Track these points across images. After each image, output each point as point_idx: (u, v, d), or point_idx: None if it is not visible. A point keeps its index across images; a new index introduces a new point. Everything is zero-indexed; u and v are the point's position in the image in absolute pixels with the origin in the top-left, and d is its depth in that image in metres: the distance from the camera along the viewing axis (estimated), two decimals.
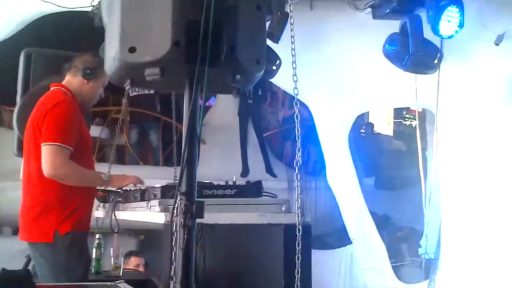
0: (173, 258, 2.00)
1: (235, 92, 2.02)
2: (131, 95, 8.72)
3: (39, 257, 3.52)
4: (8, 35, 6.37)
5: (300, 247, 2.58)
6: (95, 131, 7.78)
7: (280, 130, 10.76)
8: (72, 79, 3.63)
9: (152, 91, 8.75)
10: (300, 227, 2.61)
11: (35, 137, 3.48)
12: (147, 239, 9.46)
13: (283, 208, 2.94)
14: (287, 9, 3.20)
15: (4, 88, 5.81)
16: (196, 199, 1.96)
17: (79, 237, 3.50)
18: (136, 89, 8.65)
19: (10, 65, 4.81)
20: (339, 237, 9.42)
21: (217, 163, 8.39)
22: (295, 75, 2.75)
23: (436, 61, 5.28)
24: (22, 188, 3.64)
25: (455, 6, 4.96)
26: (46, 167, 3.33)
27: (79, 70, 3.61)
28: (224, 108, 9.82)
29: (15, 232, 8.85)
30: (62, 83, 3.67)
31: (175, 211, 1.96)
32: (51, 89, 3.67)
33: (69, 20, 6.51)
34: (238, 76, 1.91)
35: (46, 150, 3.34)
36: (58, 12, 6.21)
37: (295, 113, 3.04)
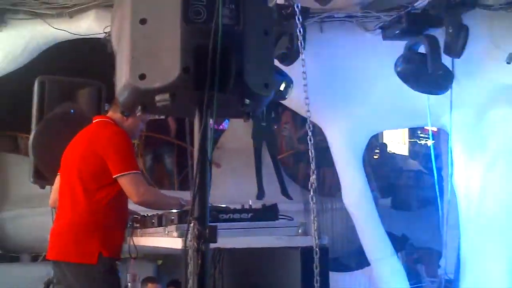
0: (189, 284, 1.99)
1: (245, 116, 2.02)
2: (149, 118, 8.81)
3: (73, 279, 3.50)
4: (23, 63, 6.46)
5: (318, 270, 2.56)
6: None
7: (295, 152, 10.73)
8: (113, 115, 3.72)
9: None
10: (317, 249, 2.59)
11: (87, 162, 3.54)
12: (165, 264, 9.45)
13: (299, 231, 2.93)
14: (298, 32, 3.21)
15: (20, 115, 5.88)
16: (209, 223, 1.95)
17: (114, 264, 3.54)
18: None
19: (25, 93, 4.87)
20: (357, 259, 9.33)
21: (233, 186, 8.40)
22: (307, 98, 2.76)
23: (448, 81, 5.28)
24: (59, 207, 3.67)
25: None
26: (133, 196, 3.47)
27: (119, 107, 3.68)
28: (238, 131, 9.83)
29: (34, 259, 8.93)
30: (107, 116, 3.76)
31: (188, 236, 1.95)
32: (96, 120, 3.73)
33: (82, 47, 6.59)
34: (247, 100, 1.92)
35: (127, 180, 3.45)
36: (71, 40, 6.31)
37: (308, 135, 3.04)
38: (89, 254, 3.45)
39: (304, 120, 10.05)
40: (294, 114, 9.98)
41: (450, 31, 4.93)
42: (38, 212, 6.68)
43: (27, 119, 4.75)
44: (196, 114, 1.93)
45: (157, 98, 1.85)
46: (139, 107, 1.97)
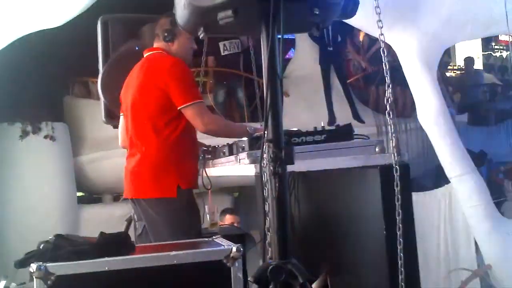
0: (267, 208, 1.93)
1: (315, 28, 1.89)
2: (222, 54, 8.82)
3: (155, 214, 3.55)
4: (85, 8, 6.46)
5: (399, 188, 2.44)
6: None
7: (364, 75, 10.48)
8: (159, 44, 3.69)
9: (239, 50, 8.78)
10: (397, 166, 2.46)
11: (151, 98, 3.54)
12: (241, 196, 9.58)
13: (377, 149, 2.81)
14: None
15: (89, 61, 5.91)
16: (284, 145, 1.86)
17: (192, 194, 3.58)
18: (228, 48, 8.72)
19: (92, 38, 4.85)
20: (434, 178, 9.17)
21: (303, 114, 8.32)
22: (378, 7, 2.59)
23: None
24: (130, 147, 3.71)
25: None
26: (199, 125, 3.51)
27: (160, 35, 3.66)
28: (304, 59, 9.66)
29: (115, 199, 9.25)
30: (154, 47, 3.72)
31: (264, 160, 1.87)
32: (147, 54, 3.70)
33: None
34: (317, 9, 1.78)
35: (192, 110, 3.48)
36: None
37: (380, 49, 2.89)
38: (168, 188, 3.48)
39: (370, 42, 9.79)
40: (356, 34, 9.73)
41: None
42: (115, 154, 6.83)
43: (96, 64, 4.76)
44: (262, 30, 1.82)
45: (220, 15, 1.75)
46: (201, 28, 1.88)
